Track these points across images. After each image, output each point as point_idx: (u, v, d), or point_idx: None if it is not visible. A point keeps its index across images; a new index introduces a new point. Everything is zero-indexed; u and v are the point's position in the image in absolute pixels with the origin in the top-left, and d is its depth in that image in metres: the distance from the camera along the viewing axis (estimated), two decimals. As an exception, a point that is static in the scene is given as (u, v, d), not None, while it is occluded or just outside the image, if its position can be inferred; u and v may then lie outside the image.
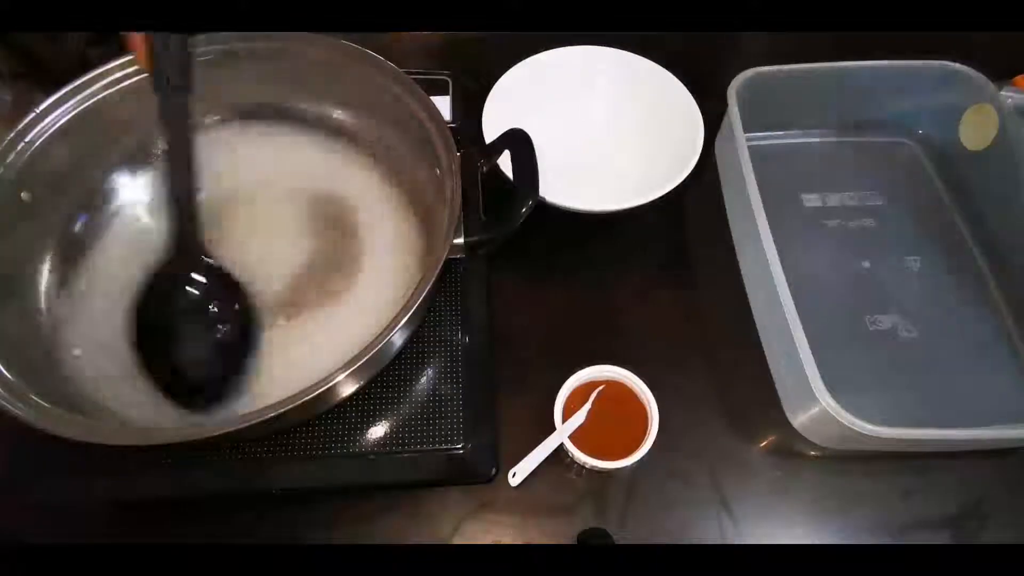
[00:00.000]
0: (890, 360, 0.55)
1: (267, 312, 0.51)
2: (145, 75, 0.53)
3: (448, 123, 0.50)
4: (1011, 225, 0.58)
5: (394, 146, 0.56)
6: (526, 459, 0.49)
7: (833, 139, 0.68)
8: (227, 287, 0.49)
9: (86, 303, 0.51)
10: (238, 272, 0.50)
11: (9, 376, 0.41)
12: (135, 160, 0.56)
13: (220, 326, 0.48)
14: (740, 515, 0.49)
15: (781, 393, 0.53)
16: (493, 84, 0.63)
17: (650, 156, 0.63)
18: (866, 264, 0.59)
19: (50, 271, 0.51)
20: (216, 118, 0.58)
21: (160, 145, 0.52)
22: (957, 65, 0.60)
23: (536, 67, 0.66)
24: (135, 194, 0.56)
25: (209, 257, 0.49)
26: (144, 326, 0.47)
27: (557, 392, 0.50)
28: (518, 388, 0.53)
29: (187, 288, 0.48)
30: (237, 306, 0.49)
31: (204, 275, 0.48)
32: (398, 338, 0.43)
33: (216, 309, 0.48)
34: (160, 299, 0.47)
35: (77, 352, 0.49)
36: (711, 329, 0.57)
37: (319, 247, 0.54)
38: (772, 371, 0.54)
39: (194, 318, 0.48)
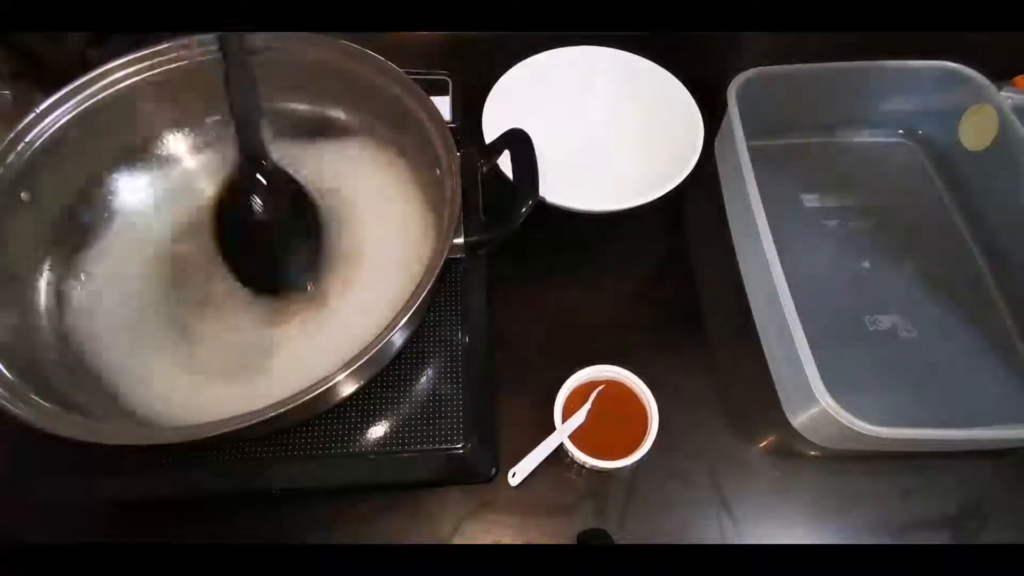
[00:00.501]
0: (890, 360, 0.55)
1: (267, 312, 0.51)
2: (144, 74, 0.53)
3: (448, 123, 0.50)
4: (1011, 225, 0.58)
5: (394, 146, 0.56)
6: (526, 459, 0.49)
7: (833, 139, 0.68)
8: (292, 188, 0.53)
9: (86, 303, 0.51)
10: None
11: (9, 376, 0.41)
12: (135, 160, 0.56)
13: (291, 221, 0.53)
14: (740, 515, 0.49)
15: (781, 393, 0.53)
16: (493, 84, 0.63)
17: (650, 156, 0.63)
18: (866, 264, 0.60)
19: (50, 271, 0.51)
20: (216, 118, 0.58)
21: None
22: (957, 65, 0.60)
23: (536, 67, 0.66)
24: (135, 194, 0.56)
25: (272, 163, 0.52)
26: (223, 224, 0.51)
27: (557, 392, 0.50)
28: (518, 388, 0.53)
29: (256, 191, 0.52)
30: (302, 205, 0.53)
31: (270, 179, 0.52)
32: (398, 338, 0.43)
33: (286, 207, 0.53)
34: (235, 201, 0.51)
35: (77, 350, 0.49)
36: (711, 329, 0.57)
37: (318, 247, 0.54)
38: (772, 371, 0.54)
39: (266, 217, 0.52)
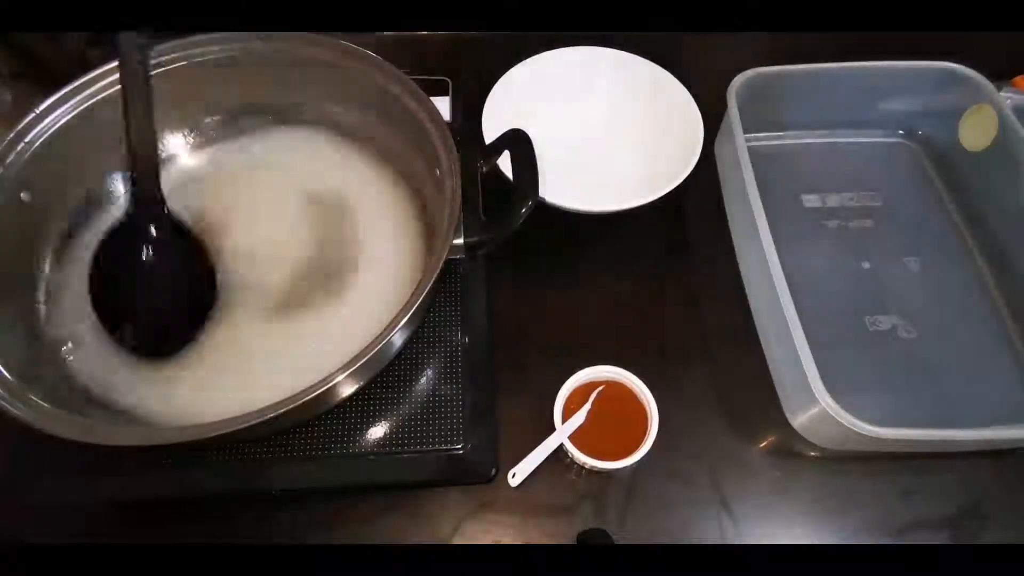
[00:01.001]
0: (890, 360, 0.55)
1: (267, 312, 0.51)
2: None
3: (448, 123, 0.50)
4: (1011, 225, 0.58)
5: (394, 146, 0.56)
6: (526, 459, 0.49)
7: (833, 139, 0.67)
8: (184, 241, 0.50)
9: (86, 303, 0.51)
10: (209, 239, 0.52)
11: (9, 376, 0.41)
12: (135, 160, 0.56)
13: (175, 278, 0.50)
14: (740, 515, 0.49)
15: (781, 393, 0.53)
16: (493, 84, 0.63)
17: (650, 156, 0.63)
18: (866, 264, 0.59)
19: (50, 271, 0.51)
20: (216, 118, 0.58)
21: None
22: (957, 65, 0.60)
23: (536, 67, 0.66)
24: (135, 194, 0.56)
25: (167, 211, 0.50)
26: (100, 277, 0.48)
27: (557, 392, 0.50)
28: (518, 388, 0.53)
29: (144, 242, 0.49)
30: (195, 260, 0.51)
31: (162, 229, 0.49)
32: (398, 338, 0.43)
33: (172, 260, 0.50)
34: (116, 252, 0.49)
35: (76, 350, 0.49)
36: (711, 329, 0.57)
37: (319, 247, 0.54)
38: (772, 371, 0.54)
39: (150, 269, 0.49)
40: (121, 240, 0.49)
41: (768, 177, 0.53)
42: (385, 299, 0.51)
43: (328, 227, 0.55)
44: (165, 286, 0.50)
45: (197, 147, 0.58)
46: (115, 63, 0.51)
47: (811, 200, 0.64)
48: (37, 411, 0.40)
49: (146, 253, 0.49)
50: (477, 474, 0.49)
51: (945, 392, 0.53)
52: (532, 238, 0.52)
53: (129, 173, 0.48)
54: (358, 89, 0.54)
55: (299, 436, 0.49)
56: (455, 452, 0.49)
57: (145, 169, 0.48)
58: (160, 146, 0.48)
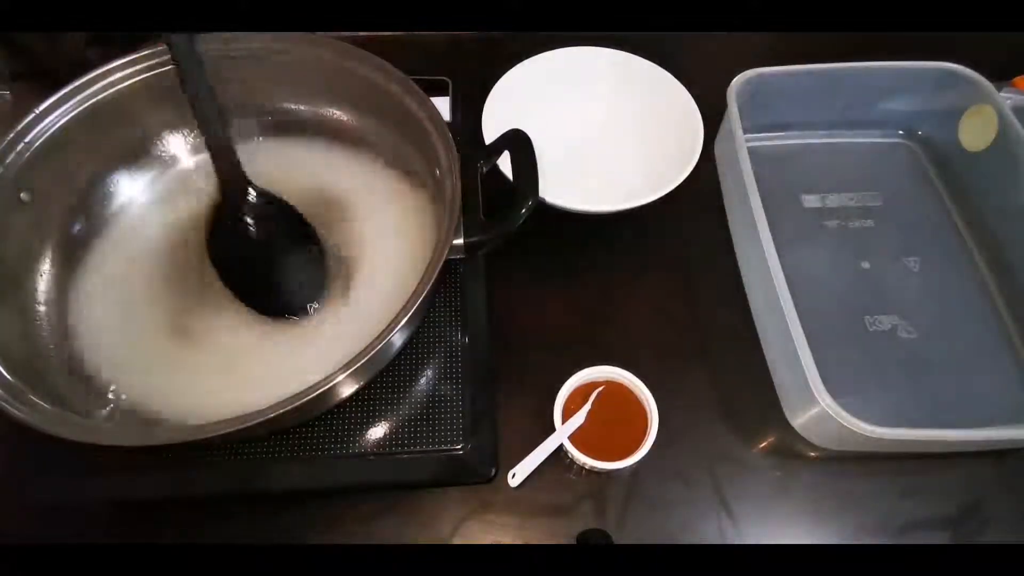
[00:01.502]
0: (890, 360, 0.55)
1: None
2: (144, 74, 0.53)
3: (448, 123, 0.50)
4: (1011, 225, 0.58)
5: (394, 147, 0.56)
6: (526, 459, 0.49)
7: (833, 139, 0.68)
8: (278, 209, 0.53)
9: (86, 303, 0.51)
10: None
11: (8, 377, 0.41)
12: (135, 160, 0.56)
13: (284, 243, 0.53)
14: (740, 515, 0.49)
15: (780, 394, 0.53)
16: (493, 84, 0.63)
17: (650, 156, 0.63)
18: (866, 264, 0.59)
19: (50, 271, 0.51)
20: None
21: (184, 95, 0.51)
22: (957, 65, 0.60)
23: (536, 67, 0.66)
24: (135, 194, 0.56)
25: (254, 188, 0.52)
26: (220, 260, 0.51)
27: (557, 392, 0.50)
28: (518, 388, 0.53)
29: (244, 218, 0.52)
30: (293, 223, 0.53)
31: (256, 202, 0.52)
32: (398, 338, 0.43)
33: (274, 229, 0.52)
34: (224, 233, 0.52)
35: (75, 352, 0.49)
36: (711, 329, 0.57)
37: (318, 247, 0.54)
38: (772, 371, 0.54)
39: (258, 242, 0.52)
40: (223, 220, 0.52)
41: (768, 177, 0.53)
42: (385, 299, 0.51)
43: (328, 227, 0.55)
44: (271, 251, 0.52)
45: (197, 147, 0.58)
46: (115, 63, 0.52)
47: (811, 200, 0.64)
48: (37, 412, 0.40)
49: (248, 225, 0.52)
50: (477, 474, 0.49)
51: (945, 392, 0.53)
52: (532, 238, 0.52)
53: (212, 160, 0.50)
54: (358, 89, 0.54)
55: (299, 436, 0.49)
56: (455, 452, 0.49)
57: (224, 156, 0.50)
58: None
